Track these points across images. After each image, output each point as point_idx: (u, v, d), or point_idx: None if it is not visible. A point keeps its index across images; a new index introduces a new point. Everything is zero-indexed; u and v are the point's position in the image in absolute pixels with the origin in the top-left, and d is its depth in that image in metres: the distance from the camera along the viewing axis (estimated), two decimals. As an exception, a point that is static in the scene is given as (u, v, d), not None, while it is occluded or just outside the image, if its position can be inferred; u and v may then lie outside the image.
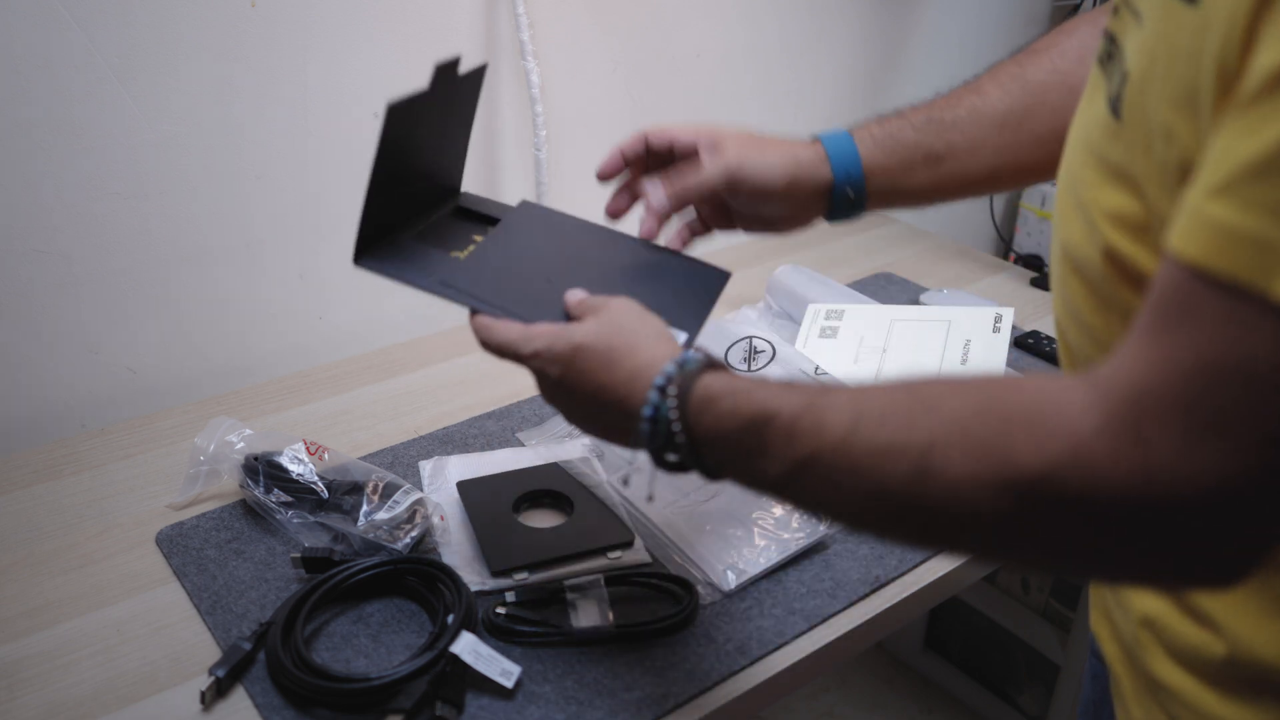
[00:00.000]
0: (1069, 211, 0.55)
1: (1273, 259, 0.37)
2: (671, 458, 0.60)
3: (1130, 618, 0.61)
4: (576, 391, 0.65)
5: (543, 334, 0.67)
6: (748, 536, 0.90)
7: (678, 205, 0.79)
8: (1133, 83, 0.48)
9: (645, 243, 0.81)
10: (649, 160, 0.82)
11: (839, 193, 0.79)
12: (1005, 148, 0.79)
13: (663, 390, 0.60)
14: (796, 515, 0.92)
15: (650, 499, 0.91)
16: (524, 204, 0.83)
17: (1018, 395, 0.46)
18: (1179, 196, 0.43)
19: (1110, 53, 0.53)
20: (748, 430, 0.54)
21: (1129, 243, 0.49)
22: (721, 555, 0.88)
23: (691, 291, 0.78)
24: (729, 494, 0.94)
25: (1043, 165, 0.79)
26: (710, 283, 0.80)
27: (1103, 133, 0.51)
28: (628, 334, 0.65)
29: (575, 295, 0.72)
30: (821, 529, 0.91)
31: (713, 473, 0.60)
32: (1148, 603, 0.59)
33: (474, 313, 0.71)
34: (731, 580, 0.86)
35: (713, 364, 0.61)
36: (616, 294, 0.71)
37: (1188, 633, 0.56)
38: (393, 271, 0.75)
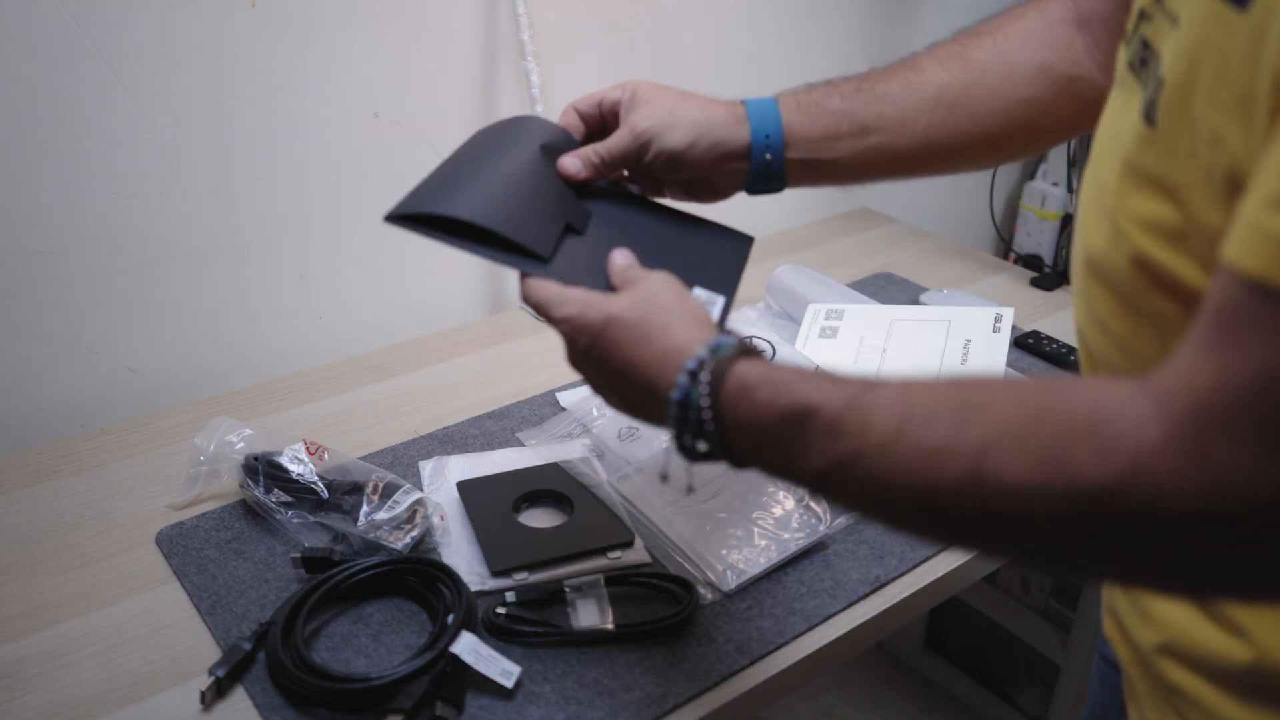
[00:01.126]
0: (1094, 219, 0.54)
1: None
2: (701, 446, 0.59)
3: (1147, 626, 0.61)
4: (604, 364, 0.63)
5: (576, 300, 0.65)
6: (748, 536, 0.90)
7: (594, 173, 0.76)
8: (1170, 88, 0.47)
9: (664, 206, 0.78)
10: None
11: (757, 158, 0.76)
12: (937, 125, 0.76)
13: (694, 375, 0.58)
14: (796, 515, 0.92)
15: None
16: (544, 148, 0.78)
17: (1076, 402, 0.44)
18: (1227, 204, 0.43)
19: (1144, 59, 0.52)
20: (785, 423, 0.53)
21: (1162, 250, 0.48)
22: (721, 555, 0.88)
23: (720, 256, 0.76)
24: (729, 494, 0.94)
25: (975, 149, 0.78)
26: (737, 248, 0.78)
27: (1136, 140, 0.50)
28: (663, 312, 0.63)
29: (622, 259, 0.69)
30: (821, 529, 0.91)
31: (740, 463, 0.58)
32: (1169, 611, 0.59)
33: (524, 275, 0.69)
34: (731, 580, 0.86)
35: (747, 350, 0.59)
36: (645, 255, 0.68)
37: (1211, 639, 0.56)
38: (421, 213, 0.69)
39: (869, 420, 0.49)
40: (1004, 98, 0.76)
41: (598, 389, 0.67)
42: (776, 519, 0.92)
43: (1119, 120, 0.54)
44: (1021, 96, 0.75)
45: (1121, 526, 0.42)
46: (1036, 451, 0.44)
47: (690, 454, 0.60)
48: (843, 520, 0.92)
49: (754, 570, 0.87)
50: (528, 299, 0.68)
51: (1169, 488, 0.40)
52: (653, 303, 0.64)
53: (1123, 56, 0.57)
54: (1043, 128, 0.77)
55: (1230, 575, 0.43)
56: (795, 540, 0.90)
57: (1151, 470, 0.41)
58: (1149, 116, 0.49)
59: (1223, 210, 0.43)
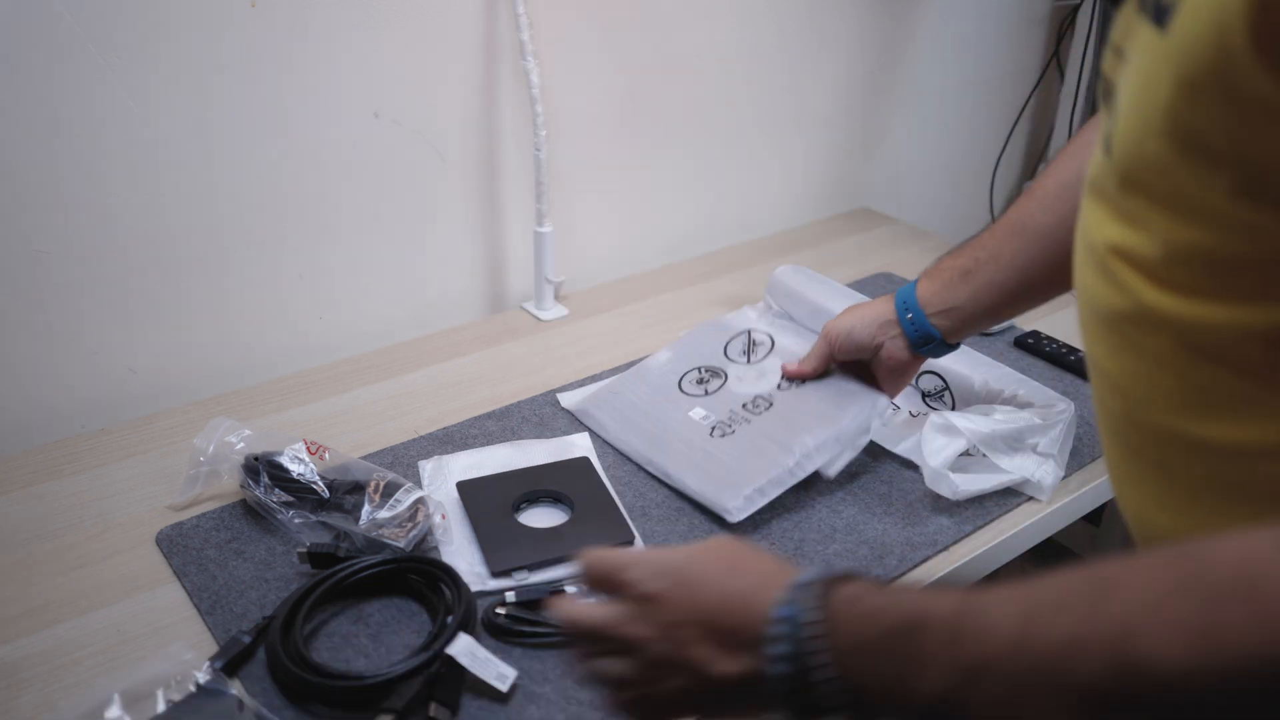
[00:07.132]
0: (1082, 256, 0.56)
1: None
2: (802, 686, 0.49)
3: None
4: (682, 611, 0.55)
5: (643, 553, 0.59)
6: (748, 536, 0.90)
7: (798, 369, 1.05)
8: (1122, 117, 0.48)
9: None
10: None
11: (901, 318, 0.95)
12: (1021, 251, 0.87)
13: (802, 587, 0.51)
14: (797, 515, 0.92)
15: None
16: None
17: (1218, 562, 0.40)
18: (1184, 228, 0.44)
19: (1107, 91, 0.54)
20: (897, 635, 0.47)
21: (1131, 275, 0.49)
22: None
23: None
24: (729, 494, 0.94)
25: (1067, 265, 0.78)
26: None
27: (1100, 171, 0.52)
28: (746, 550, 0.57)
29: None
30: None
31: (862, 709, 0.49)
32: None
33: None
34: (732, 580, 0.86)
35: (842, 576, 0.53)
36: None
37: None
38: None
39: (989, 621, 0.44)
40: (1056, 211, 0.83)
41: (666, 650, 0.55)
42: (777, 519, 0.91)
43: (1094, 156, 0.56)
44: (1076, 204, 0.77)
45: None
46: (1184, 626, 0.39)
47: (792, 700, 0.50)
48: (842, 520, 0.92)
49: (754, 570, 0.87)
50: (590, 577, 0.60)
51: None
52: (731, 542, 0.59)
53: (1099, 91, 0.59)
54: None
55: None
56: (795, 540, 0.90)
57: None
58: (1107, 148, 0.51)
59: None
